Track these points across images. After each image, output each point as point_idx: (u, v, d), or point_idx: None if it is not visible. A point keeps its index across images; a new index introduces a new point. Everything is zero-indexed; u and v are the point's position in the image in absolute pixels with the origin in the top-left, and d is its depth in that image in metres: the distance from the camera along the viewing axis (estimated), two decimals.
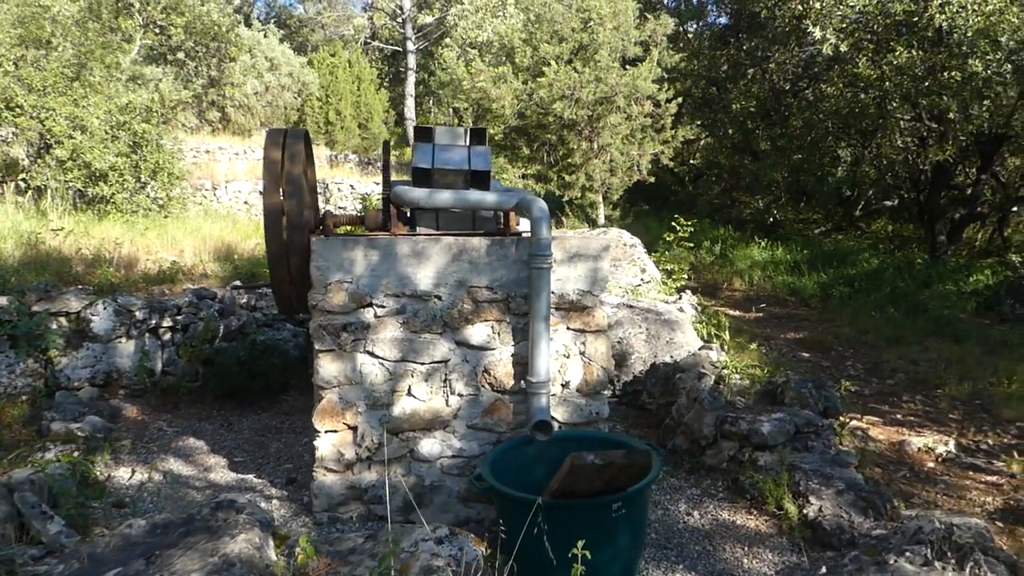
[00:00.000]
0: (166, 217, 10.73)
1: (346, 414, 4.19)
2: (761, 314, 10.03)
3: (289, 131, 4.49)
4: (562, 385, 4.33)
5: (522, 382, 4.22)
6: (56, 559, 3.30)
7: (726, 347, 6.66)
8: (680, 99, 11.46)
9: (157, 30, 17.77)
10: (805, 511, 4.22)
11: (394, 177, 5.76)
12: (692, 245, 10.04)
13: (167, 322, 6.44)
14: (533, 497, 3.38)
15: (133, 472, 4.97)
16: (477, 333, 4.23)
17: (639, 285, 8.25)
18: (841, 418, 5.44)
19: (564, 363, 4.34)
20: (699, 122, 12.56)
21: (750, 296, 11.04)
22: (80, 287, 6.29)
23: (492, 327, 4.25)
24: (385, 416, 4.18)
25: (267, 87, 26.60)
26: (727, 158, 13.26)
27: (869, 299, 9.85)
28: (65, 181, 9.76)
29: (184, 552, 2.91)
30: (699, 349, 6.16)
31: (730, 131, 12.64)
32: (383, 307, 4.18)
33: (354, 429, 4.21)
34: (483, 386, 4.26)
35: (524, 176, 11.17)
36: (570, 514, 3.40)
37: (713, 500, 4.63)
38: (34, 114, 9.80)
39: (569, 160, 10.97)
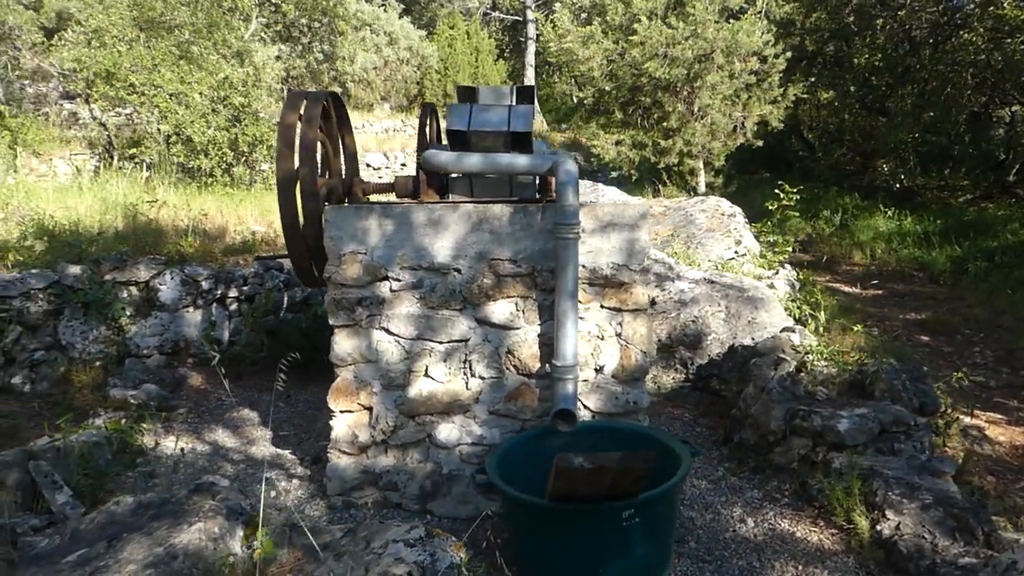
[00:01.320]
0: (265, 189, 10.99)
1: (360, 394, 3.94)
2: (880, 291, 8.98)
3: (309, 94, 4.24)
4: (595, 370, 3.88)
5: (547, 366, 3.81)
6: (54, 530, 3.26)
7: (820, 328, 5.90)
8: (790, 54, 10.32)
9: (272, 7, 18.32)
10: (879, 527, 3.56)
11: None
12: (798, 214, 9.09)
13: (233, 292, 6.49)
14: (532, 499, 2.99)
15: (178, 441, 4.99)
16: (499, 310, 3.85)
17: (732, 259, 7.53)
18: (945, 415, 4.63)
19: (598, 345, 3.87)
20: (813, 79, 11.31)
21: (871, 271, 9.92)
22: (153, 257, 6.43)
23: (516, 304, 3.85)
24: (400, 398, 3.90)
25: (386, 61, 27.02)
26: (852, 119, 11.89)
27: (1011, 276, 8.55)
28: (169, 155, 10.17)
29: (141, 538, 2.76)
30: (781, 331, 5.46)
31: (851, 88, 11.28)
32: (399, 280, 3.88)
33: (369, 410, 3.96)
34: (507, 368, 3.88)
35: (618, 143, 10.51)
36: (571, 521, 2.98)
37: (775, 506, 4.03)
38: (144, 91, 10.25)
39: (665, 124, 10.19)
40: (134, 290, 6.17)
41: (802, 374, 4.85)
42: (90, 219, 7.87)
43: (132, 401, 5.22)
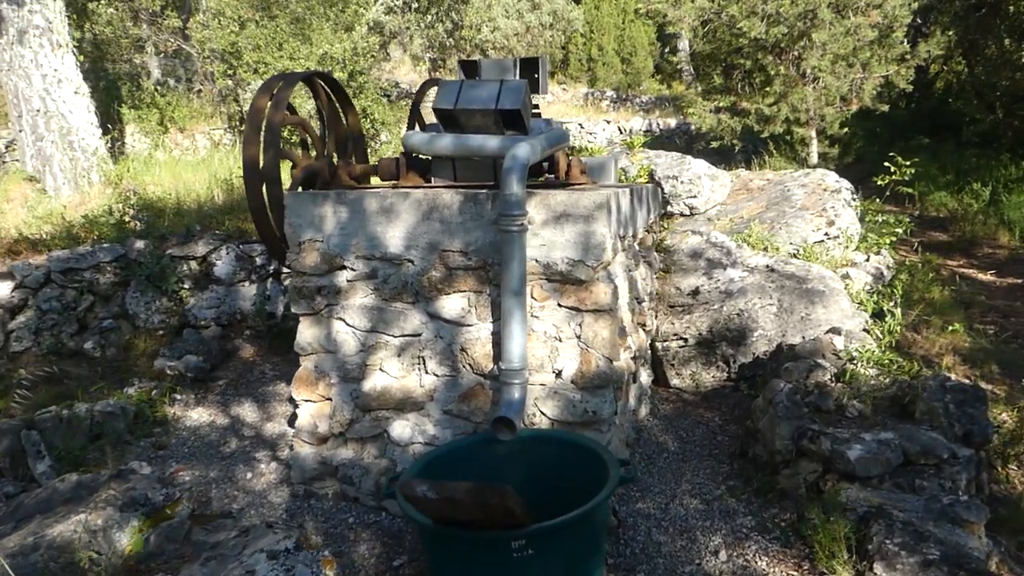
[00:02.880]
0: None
1: (320, 384, 3.86)
2: (1020, 280, 7.66)
3: (287, 76, 4.15)
4: (554, 373, 3.54)
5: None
6: (6, 502, 3.47)
7: (895, 327, 5.06)
8: (916, 3, 8.83)
9: None
10: None
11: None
12: (912, 191, 7.89)
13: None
14: (422, 519, 2.77)
15: (203, 414, 5.22)
16: (451, 305, 3.60)
17: (821, 242, 6.68)
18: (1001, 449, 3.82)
19: (555, 347, 3.52)
20: (952, 32, 9.62)
21: (1018, 255, 8.48)
22: (214, 233, 6.73)
23: (468, 299, 3.58)
24: (356, 391, 3.78)
25: (527, 27, 26.74)
26: (1009, 77, 10.05)
27: None
28: None
29: (34, 522, 2.84)
30: (828, 331, 4.74)
31: (1007, 42, 9.48)
32: (354, 270, 3.73)
33: (329, 401, 3.88)
34: (463, 367, 3.64)
35: (717, 109, 9.59)
36: (452, 546, 2.73)
37: (763, 539, 3.52)
38: (257, 68, 10.75)
39: (768, 89, 9.15)
40: (193, 264, 6.50)
41: (838, 384, 4.20)
42: (196, 193, 8.39)
43: (168, 372, 5.52)
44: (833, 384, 4.20)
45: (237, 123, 13.23)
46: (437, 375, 3.68)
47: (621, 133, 16.45)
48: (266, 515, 3.80)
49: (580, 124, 16.39)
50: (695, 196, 7.79)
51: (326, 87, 4.54)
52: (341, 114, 4.73)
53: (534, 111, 4.82)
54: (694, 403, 5.15)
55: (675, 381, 5.39)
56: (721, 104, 9.81)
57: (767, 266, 5.59)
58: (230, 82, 11.76)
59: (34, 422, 4.15)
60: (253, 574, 2.52)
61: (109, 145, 9.66)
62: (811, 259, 6.10)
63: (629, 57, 28.38)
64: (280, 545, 2.68)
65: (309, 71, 4.35)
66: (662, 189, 7.63)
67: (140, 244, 6.34)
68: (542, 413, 3.56)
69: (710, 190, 7.83)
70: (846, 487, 3.49)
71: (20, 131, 8.72)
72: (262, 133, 3.88)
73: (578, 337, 3.49)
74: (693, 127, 11.83)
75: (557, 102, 23.81)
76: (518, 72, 4.50)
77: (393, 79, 23.56)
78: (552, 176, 4.43)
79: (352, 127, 4.82)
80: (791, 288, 5.27)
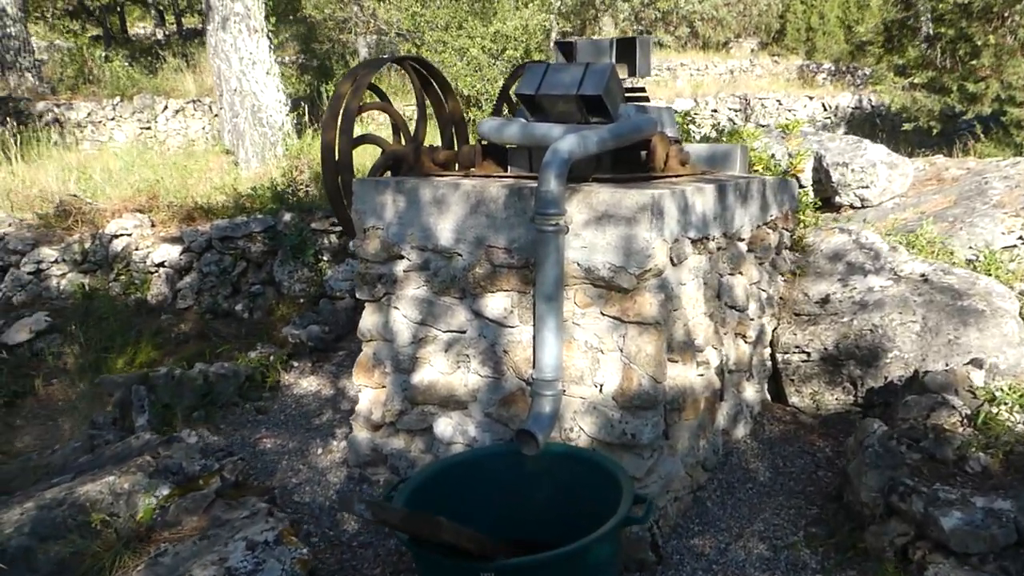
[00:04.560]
0: None
1: (375, 372, 3.88)
2: None
3: (371, 61, 4.15)
4: (596, 387, 3.25)
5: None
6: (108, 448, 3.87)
7: None
8: None
9: None
10: None
11: None
12: None
13: None
14: (400, 533, 2.68)
15: (312, 382, 5.51)
16: (494, 304, 3.43)
17: (1011, 247, 5.55)
18: None
19: (596, 358, 3.23)
20: None
21: None
22: None
23: (511, 299, 3.38)
24: (406, 383, 3.75)
25: None
26: None
27: None
28: None
29: (82, 477, 3.13)
30: (967, 363, 3.90)
31: None
32: (409, 260, 3.68)
33: (384, 389, 3.89)
34: (508, 369, 3.46)
35: (912, 85, 8.18)
36: (428, 566, 2.60)
37: None
38: (435, 48, 11.08)
39: (975, 62, 7.60)
40: (332, 237, 6.85)
41: (966, 429, 3.46)
42: (366, 167, 8.86)
43: (291, 339, 5.88)
44: (960, 429, 3.47)
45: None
46: (480, 375, 3.53)
47: (825, 110, 14.91)
48: (318, 494, 3.91)
49: (778, 100, 15.08)
50: (867, 186, 6.86)
51: (423, 71, 4.49)
52: (442, 98, 4.67)
53: (638, 94, 4.45)
54: (809, 427, 4.53)
55: (794, 399, 4.78)
56: (916, 80, 8.46)
57: (921, 275, 4.75)
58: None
59: (148, 378, 4.61)
60: (225, 561, 2.58)
61: (295, 121, 10.45)
62: (990, 269, 5.11)
63: (855, 24, 25.60)
64: (261, 536, 2.71)
65: (396, 55, 4.33)
66: (828, 177, 6.80)
67: (287, 216, 6.80)
68: (580, 429, 3.29)
69: (887, 180, 6.85)
70: (938, 561, 2.87)
71: (221, 109, 9.72)
72: (339, 119, 3.92)
73: (621, 350, 3.16)
74: (879, 105, 10.35)
75: (767, 75, 22.14)
76: (614, 53, 4.15)
77: None
78: (649, 167, 4.06)
79: (453, 111, 4.75)
80: (941, 304, 4.42)
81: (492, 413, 3.51)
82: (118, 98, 14.74)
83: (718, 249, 3.79)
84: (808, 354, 4.70)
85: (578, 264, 3.14)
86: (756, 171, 5.96)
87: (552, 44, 4.12)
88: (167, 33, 23.65)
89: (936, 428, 3.44)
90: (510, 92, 4.72)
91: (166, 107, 14.58)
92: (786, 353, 4.79)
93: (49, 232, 6.96)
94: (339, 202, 4.02)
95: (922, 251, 5.43)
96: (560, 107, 3.92)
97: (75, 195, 7.24)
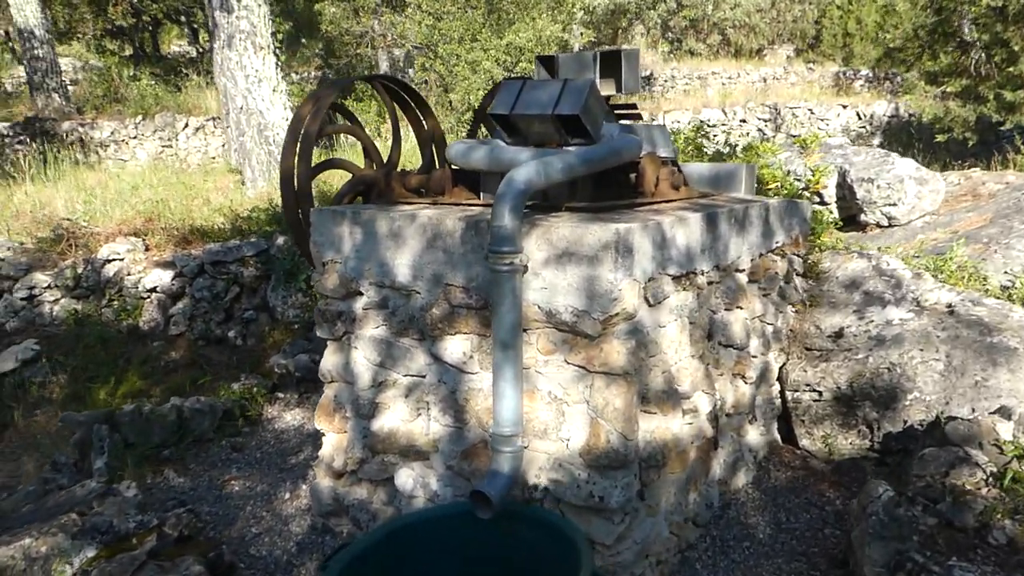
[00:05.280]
0: None
1: (336, 416, 3.59)
2: None
3: (335, 81, 3.89)
4: (561, 441, 2.91)
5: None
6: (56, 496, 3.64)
7: None
8: None
9: None
10: None
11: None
12: None
13: None
14: None
15: (297, 416, 5.25)
16: (453, 348, 3.12)
17: None
18: None
19: (562, 411, 2.89)
20: None
21: None
22: None
23: (471, 342, 3.07)
24: (366, 429, 3.45)
25: (773, 1, 24.35)
26: None
27: None
28: (463, 121, 10.66)
29: None
30: (994, 411, 3.46)
31: None
32: (367, 297, 3.39)
33: (347, 434, 3.60)
34: (470, 418, 3.14)
35: (945, 94, 7.66)
36: None
37: None
38: (448, 61, 10.86)
39: (1012, 68, 7.03)
40: None
41: (991, 491, 3.04)
42: None
43: (276, 371, 5.64)
44: (983, 490, 3.04)
45: (448, 113, 13.56)
46: (441, 424, 3.22)
47: (860, 119, 14.32)
48: (277, 546, 3.63)
49: (810, 110, 14.54)
50: (895, 204, 6.42)
51: (397, 90, 4.22)
52: (420, 117, 4.40)
53: (628, 112, 4.12)
54: (819, 474, 4.12)
55: (804, 442, 4.37)
56: (949, 88, 7.93)
57: (948, 305, 4.31)
58: (431, 74, 12.06)
59: (112, 416, 4.39)
60: None
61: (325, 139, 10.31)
62: (988, 300, 4.64)
63: (891, 30, 24.80)
64: None
65: (364, 75, 4.07)
66: (852, 194, 6.37)
67: (281, 240, 6.59)
68: (545, 488, 2.95)
69: (915, 196, 6.40)
70: None
71: (227, 127, 9.60)
72: (297, 143, 3.66)
73: (587, 402, 2.82)
74: (916, 113, 9.80)
75: (801, 83, 21.51)
76: (598, 67, 3.83)
77: None
78: (638, 191, 3.73)
79: (433, 131, 4.46)
80: (968, 341, 3.99)
81: (454, 466, 3.19)
82: (140, 117, 14.84)
83: (709, 284, 3.42)
84: (820, 393, 4.29)
85: (539, 307, 2.81)
86: (770, 189, 5.57)
87: (535, 57, 3.81)
88: (200, 51, 23.94)
89: (955, 489, 3.03)
90: (487, 111, 4.43)
91: (186, 125, 14.64)
92: (796, 391, 4.39)
93: (44, 257, 6.86)
94: (301, 233, 3.76)
95: (951, 277, 4.98)
96: (536, 127, 3.61)
97: (68, 218, 7.14)
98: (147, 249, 6.93)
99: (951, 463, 3.17)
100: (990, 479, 3.10)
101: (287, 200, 3.72)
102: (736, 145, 6.18)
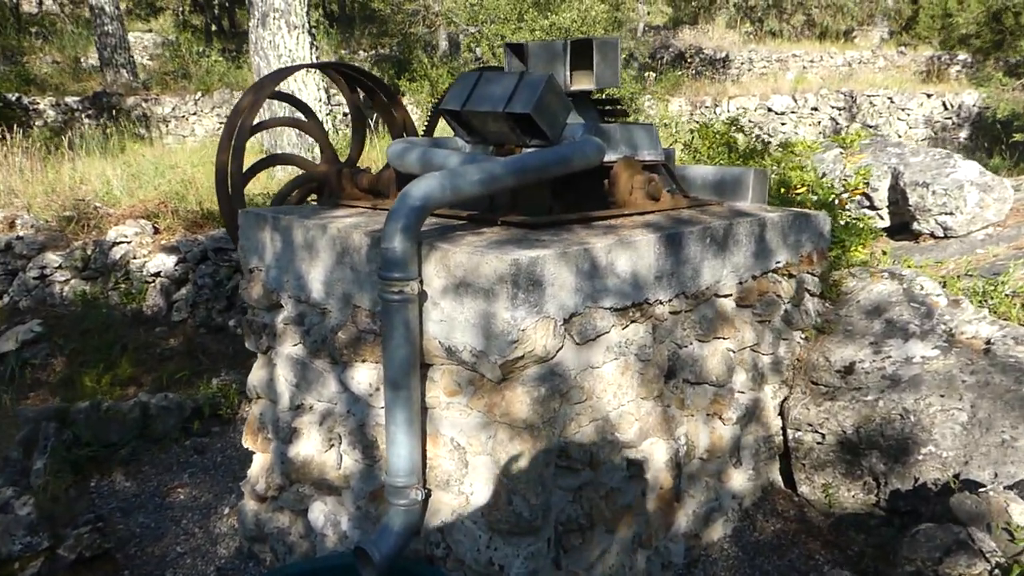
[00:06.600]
0: None
1: (259, 437, 3.31)
2: None
3: (280, 70, 3.56)
4: (464, 496, 2.52)
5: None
6: None
7: None
8: None
9: None
10: None
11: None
12: None
13: None
14: None
15: None
16: (360, 377, 2.77)
17: None
18: None
19: (466, 461, 2.50)
20: None
21: None
22: None
23: (378, 373, 2.71)
24: (284, 455, 3.15)
25: None
26: None
27: None
28: None
29: None
30: (1008, 486, 2.85)
31: None
32: (286, 312, 3.08)
33: (269, 457, 3.31)
34: (380, 456, 2.80)
35: None
36: None
37: None
38: (492, 41, 10.45)
39: None
40: None
41: None
42: None
43: None
44: None
45: None
46: (352, 459, 2.88)
47: (946, 109, 13.09)
48: (196, 569, 3.39)
49: (890, 98, 13.39)
50: (951, 212, 5.69)
51: (362, 79, 3.86)
52: (389, 108, 4.03)
53: (610, 108, 3.66)
54: (813, 529, 3.59)
55: (803, 488, 3.83)
56: None
57: (987, 341, 3.68)
58: (474, 53, 11.65)
59: (65, 412, 4.25)
60: None
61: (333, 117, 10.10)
62: None
63: (1004, 8, 22.76)
64: None
65: (316, 63, 3.73)
66: (905, 199, 5.69)
67: None
68: (448, 546, 2.57)
69: (977, 205, 5.66)
70: None
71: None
72: (232, 137, 3.36)
73: (491, 455, 2.42)
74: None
75: (891, 67, 20.04)
76: (569, 57, 3.37)
77: (696, 44, 21.93)
78: (610, 200, 3.29)
79: (404, 121, 4.10)
80: (1000, 390, 3.36)
81: (362, 507, 2.85)
82: (200, 93, 15.04)
83: (673, 314, 2.95)
84: (823, 436, 3.74)
85: (439, 342, 2.42)
86: (798, 195, 4.97)
87: (504, 45, 3.38)
88: None
89: None
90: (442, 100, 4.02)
91: None
92: (798, 430, 3.85)
93: (58, 237, 6.87)
94: (235, 235, 3.47)
95: (1000, 304, 4.31)
96: (491, 126, 3.21)
97: (82, 199, 7.13)
98: (157, 232, 6.85)
99: (948, 547, 2.62)
100: (994, 572, 2.54)
101: (221, 198, 3.44)
102: (768, 141, 5.57)
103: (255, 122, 3.44)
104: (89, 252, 6.63)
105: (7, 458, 4.13)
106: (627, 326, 2.70)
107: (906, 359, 3.66)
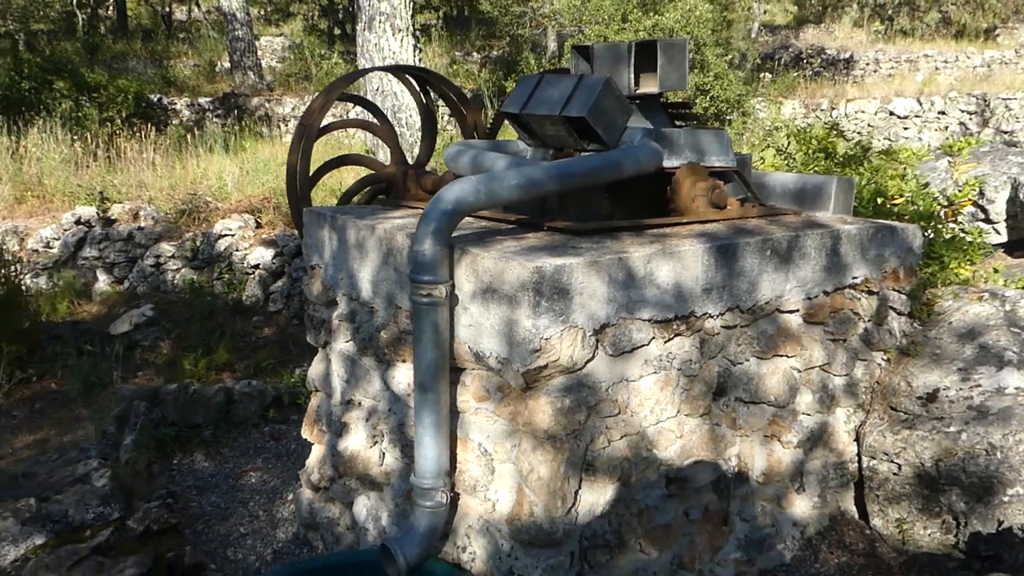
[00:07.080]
0: None
1: (315, 428, 3.44)
2: None
3: (350, 73, 3.66)
4: (489, 502, 2.52)
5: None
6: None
7: None
8: None
9: None
10: None
11: None
12: None
13: None
14: None
15: None
16: (400, 377, 2.82)
17: None
18: None
19: (493, 468, 2.49)
20: None
21: None
22: None
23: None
24: (335, 447, 3.25)
25: None
26: None
27: None
28: None
29: None
30: None
31: None
32: (341, 308, 3.18)
33: (323, 448, 3.43)
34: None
35: None
36: None
37: None
38: (594, 43, 10.36)
39: None
40: None
41: None
42: None
43: None
44: None
45: None
46: (393, 457, 2.94)
47: None
48: (255, 550, 3.56)
49: (1002, 97, 12.23)
50: None
51: (435, 82, 3.93)
52: (460, 109, 4.08)
53: (678, 111, 3.56)
54: (883, 566, 3.35)
55: (876, 520, 3.58)
56: None
57: None
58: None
59: (156, 392, 4.56)
60: None
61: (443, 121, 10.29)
62: None
63: None
64: None
65: (388, 66, 3.81)
66: (985, 215, 5.23)
67: None
68: (474, 551, 2.58)
69: None
70: None
71: (363, 110, 9.81)
72: (302, 139, 3.50)
73: (515, 464, 2.41)
74: None
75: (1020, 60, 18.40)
76: (633, 59, 3.29)
77: (817, 44, 20.92)
78: (671, 208, 3.20)
79: (475, 123, 4.13)
80: None
81: (400, 504, 2.90)
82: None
83: (726, 328, 2.82)
84: (899, 466, 3.48)
85: (469, 347, 2.43)
86: (895, 206, 4.64)
87: (571, 47, 3.36)
88: None
89: None
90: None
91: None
92: (873, 458, 3.60)
93: (173, 228, 7.39)
94: (303, 231, 3.61)
95: None
96: (549, 129, 3.19)
97: (194, 193, 7.62)
98: (259, 226, 7.23)
99: None
100: None
101: (291, 197, 3.59)
102: (868, 148, 5.23)
103: (325, 123, 3.56)
104: (198, 243, 7.09)
105: (105, 432, 4.48)
106: (670, 339, 2.60)
107: (997, 389, 3.35)
